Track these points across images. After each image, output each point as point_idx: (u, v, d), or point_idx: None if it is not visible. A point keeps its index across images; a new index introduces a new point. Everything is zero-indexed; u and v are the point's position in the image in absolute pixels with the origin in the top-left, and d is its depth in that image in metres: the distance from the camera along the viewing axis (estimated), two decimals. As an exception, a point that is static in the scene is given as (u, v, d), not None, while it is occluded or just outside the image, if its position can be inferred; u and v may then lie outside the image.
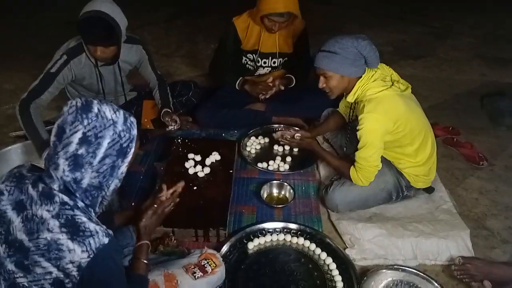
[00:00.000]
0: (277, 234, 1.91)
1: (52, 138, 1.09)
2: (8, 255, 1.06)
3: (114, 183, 1.15)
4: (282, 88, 2.67)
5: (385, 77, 1.91)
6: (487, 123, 2.87)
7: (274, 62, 2.70)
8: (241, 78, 2.67)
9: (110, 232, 1.09)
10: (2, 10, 4.72)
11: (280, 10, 2.36)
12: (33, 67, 3.52)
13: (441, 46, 4.10)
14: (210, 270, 1.52)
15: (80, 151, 1.06)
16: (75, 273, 1.03)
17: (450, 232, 1.90)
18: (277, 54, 2.65)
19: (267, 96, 2.67)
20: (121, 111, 1.14)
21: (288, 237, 1.90)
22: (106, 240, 1.06)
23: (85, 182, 1.08)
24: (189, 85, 2.79)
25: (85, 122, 1.06)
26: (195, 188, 2.09)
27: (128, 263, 1.37)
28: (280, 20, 2.41)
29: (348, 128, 2.20)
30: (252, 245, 1.85)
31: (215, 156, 2.28)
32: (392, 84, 1.87)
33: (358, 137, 1.87)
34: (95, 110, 1.08)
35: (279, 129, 2.60)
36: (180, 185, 1.55)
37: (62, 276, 1.04)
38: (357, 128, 1.86)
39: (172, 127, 2.40)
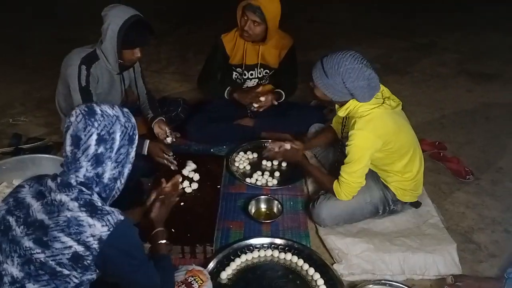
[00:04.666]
0: (265, 250, 1.90)
1: (68, 148, 1.15)
2: (26, 234, 1.10)
3: (128, 168, 1.25)
4: (276, 103, 2.68)
5: (377, 93, 1.91)
6: (473, 138, 2.91)
7: (260, 73, 2.74)
8: (229, 87, 2.68)
9: (124, 214, 1.17)
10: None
11: (253, 2, 2.41)
12: (23, 81, 3.53)
13: (427, 62, 4.16)
14: (197, 287, 1.50)
15: (99, 150, 1.15)
16: (95, 245, 1.09)
17: (437, 246, 1.90)
18: (258, 64, 2.69)
19: (260, 110, 2.67)
20: (116, 106, 1.23)
21: (276, 253, 1.89)
22: (122, 217, 1.15)
23: (106, 176, 1.18)
24: (178, 101, 2.81)
25: (96, 124, 1.15)
26: (182, 204, 2.07)
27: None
28: (252, 17, 2.44)
29: (340, 145, 2.19)
30: (239, 261, 1.84)
31: (191, 166, 2.29)
32: (384, 101, 1.88)
33: (346, 152, 1.88)
34: (99, 111, 1.17)
35: (270, 144, 2.38)
36: (178, 177, 1.79)
37: (82, 249, 1.08)
38: (346, 143, 1.88)
39: (170, 138, 2.37)
